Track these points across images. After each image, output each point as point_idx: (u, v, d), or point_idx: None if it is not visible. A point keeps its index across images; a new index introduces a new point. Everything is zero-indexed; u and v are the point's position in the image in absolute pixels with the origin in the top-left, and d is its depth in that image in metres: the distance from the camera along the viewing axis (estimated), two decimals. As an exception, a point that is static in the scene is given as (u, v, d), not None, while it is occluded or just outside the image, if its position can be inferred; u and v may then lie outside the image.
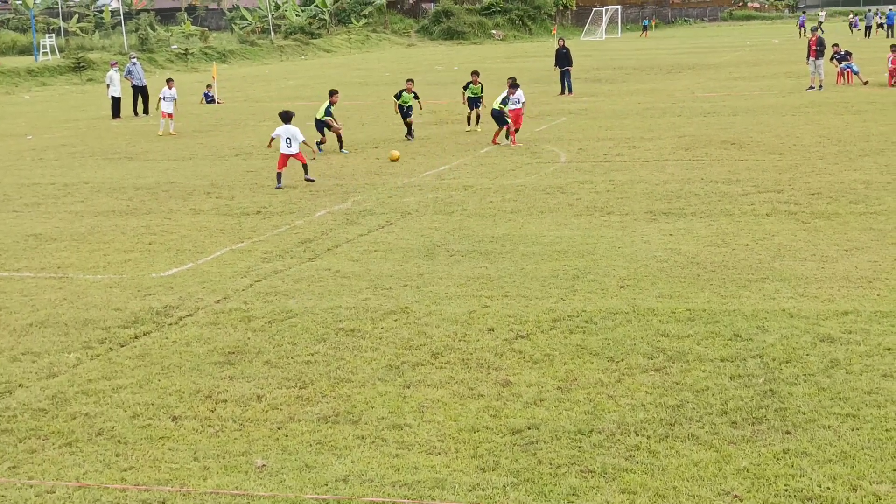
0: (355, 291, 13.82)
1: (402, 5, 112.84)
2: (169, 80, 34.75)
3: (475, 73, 31.62)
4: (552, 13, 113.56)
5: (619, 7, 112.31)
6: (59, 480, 8.40)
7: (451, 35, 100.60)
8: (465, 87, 31.25)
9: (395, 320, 12.47)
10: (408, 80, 30.58)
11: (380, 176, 23.39)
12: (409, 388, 10.24)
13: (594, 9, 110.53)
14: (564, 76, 42.37)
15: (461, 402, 9.83)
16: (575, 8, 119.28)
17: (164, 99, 33.59)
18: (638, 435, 8.88)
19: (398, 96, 29.98)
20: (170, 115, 33.59)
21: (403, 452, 8.73)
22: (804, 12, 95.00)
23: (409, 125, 30.01)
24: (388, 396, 10.02)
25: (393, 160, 23.23)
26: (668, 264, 14.60)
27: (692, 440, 8.72)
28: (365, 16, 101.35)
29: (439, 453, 8.67)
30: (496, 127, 28.16)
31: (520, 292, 13.48)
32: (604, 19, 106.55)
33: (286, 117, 22.87)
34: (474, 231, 17.23)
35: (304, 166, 22.78)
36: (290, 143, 22.45)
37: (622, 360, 10.77)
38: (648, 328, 11.76)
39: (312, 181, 22.55)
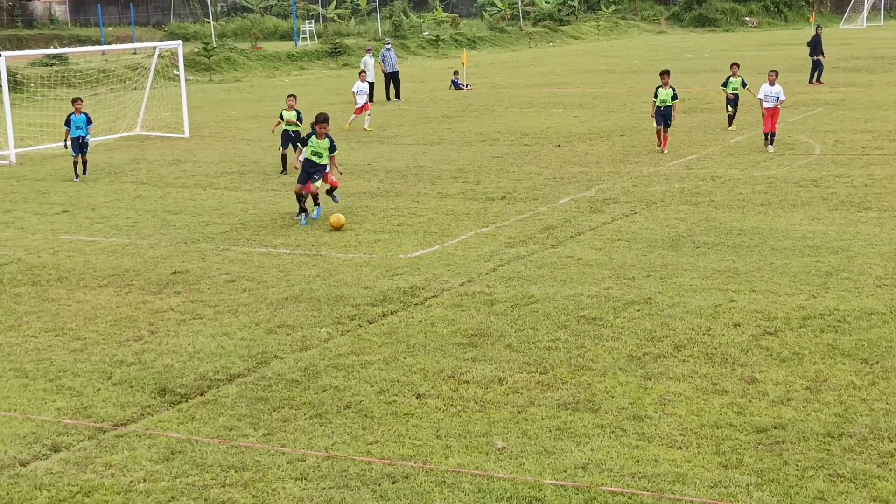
0: (597, 280, 13.78)
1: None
2: (361, 73, 33.73)
3: (735, 65, 28.27)
4: (810, 0, 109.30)
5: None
6: (309, 449, 8.77)
7: (703, 22, 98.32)
8: (725, 84, 27.94)
9: (638, 311, 12.36)
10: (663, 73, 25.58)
11: (624, 164, 23.19)
12: (650, 379, 10.14)
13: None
14: (816, 65, 40.77)
15: (704, 396, 9.66)
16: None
17: (357, 93, 32.00)
18: (892, 441, 8.50)
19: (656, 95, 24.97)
20: (363, 109, 31.83)
21: (644, 444, 8.66)
22: None
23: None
24: (628, 387, 9.96)
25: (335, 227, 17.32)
26: (930, 264, 13.87)
27: (952, 451, 8.27)
28: (614, 2, 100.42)
29: (680, 447, 8.56)
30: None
31: (768, 287, 13.10)
32: (865, 6, 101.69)
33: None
34: (721, 223, 16.84)
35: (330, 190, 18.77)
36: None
37: (877, 363, 10.32)
38: (906, 331, 11.22)
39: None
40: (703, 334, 11.43)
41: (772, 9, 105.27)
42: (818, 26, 44.76)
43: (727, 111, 28.32)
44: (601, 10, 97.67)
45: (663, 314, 12.20)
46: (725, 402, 9.49)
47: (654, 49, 69.08)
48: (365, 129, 30.70)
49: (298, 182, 18.32)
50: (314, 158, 18.23)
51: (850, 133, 26.73)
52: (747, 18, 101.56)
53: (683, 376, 10.20)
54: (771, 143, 24.21)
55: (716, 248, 15.26)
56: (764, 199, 18.74)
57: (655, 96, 24.70)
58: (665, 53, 63.87)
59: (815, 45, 41.05)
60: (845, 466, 8.06)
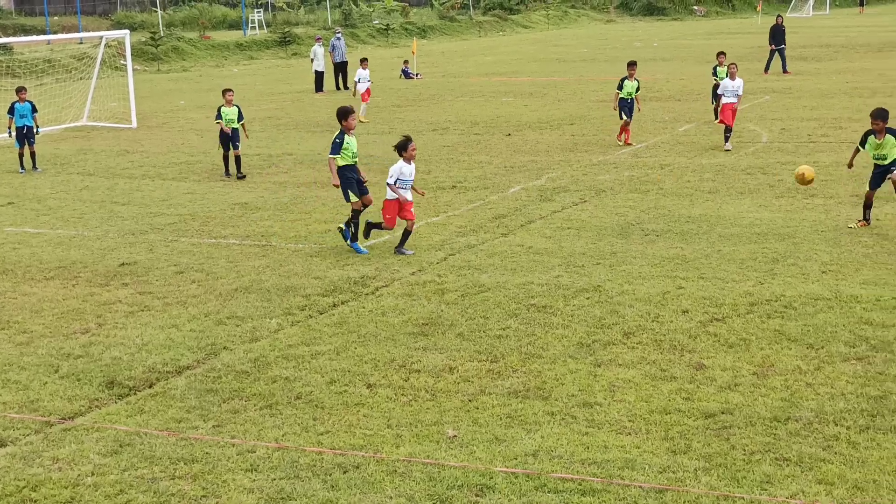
0: (548, 268, 13.83)
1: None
2: (363, 60, 32.93)
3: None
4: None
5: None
6: (259, 441, 8.74)
7: (652, 11, 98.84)
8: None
9: (588, 298, 12.42)
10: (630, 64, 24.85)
11: (574, 153, 23.28)
12: (600, 366, 10.20)
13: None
14: (778, 54, 41.14)
15: (653, 383, 9.73)
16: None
17: (359, 81, 31.77)
18: (837, 425, 8.61)
19: (620, 87, 24.30)
20: (366, 96, 31.50)
21: (593, 431, 8.71)
22: None
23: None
24: (578, 374, 10.01)
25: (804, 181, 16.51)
26: (875, 250, 14.06)
27: (894, 433, 8.40)
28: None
29: (630, 433, 8.62)
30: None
31: (716, 274, 13.22)
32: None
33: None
34: (670, 211, 16.97)
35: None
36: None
37: (822, 348, 10.45)
38: (851, 316, 11.37)
39: None
40: (652, 321, 11.52)
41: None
42: (778, 16, 45.15)
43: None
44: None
45: (613, 301, 12.28)
46: (674, 388, 9.57)
47: (603, 38, 69.36)
48: (361, 120, 29.63)
49: (359, 194, 15.38)
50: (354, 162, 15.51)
51: (796, 121, 27.03)
52: (695, 7, 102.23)
53: (632, 363, 10.27)
54: (727, 141, 23.09)
55: (664, 235, 15.38)
56: (712, 186, 18.90)
57: (620, 87, 24.11)
58: (614, 42, 64.15)
59: (776, 35, 41.46)
60: (791, 450, 8.16)
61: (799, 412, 8.90)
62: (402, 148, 14.96)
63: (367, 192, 15.55)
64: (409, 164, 14.93)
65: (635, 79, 24.24)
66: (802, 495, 7.46)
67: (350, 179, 15.30)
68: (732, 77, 23.32)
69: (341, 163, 15.34)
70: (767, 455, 8.10)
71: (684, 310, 11.88)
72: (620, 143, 24.18)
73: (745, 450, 8.21)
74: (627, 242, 15.00)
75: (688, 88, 36.31)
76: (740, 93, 23.40)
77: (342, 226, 15.24)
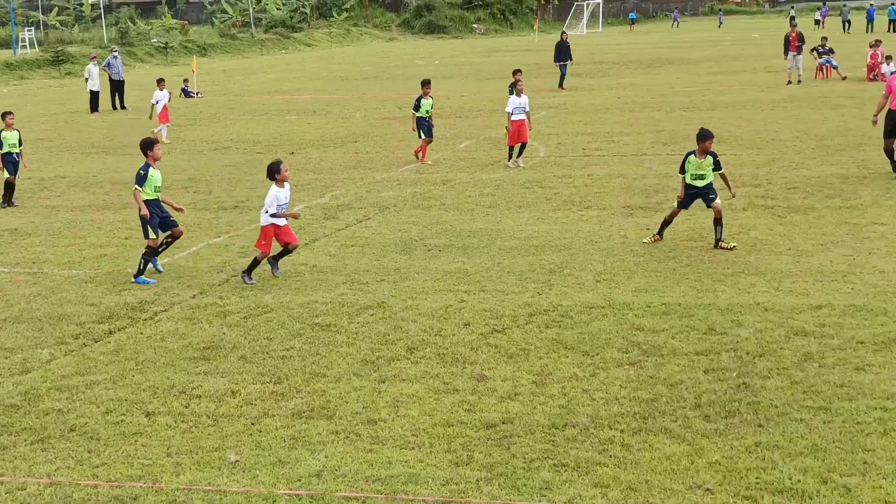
0: (332, 286, 13.80)
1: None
2: (160, 81, 31.07)
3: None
4: (534, 7, 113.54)
5: (600, 1, 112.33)
6: (30, 477, 8.36)
7: (433, 29, 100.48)
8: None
9: (372, 315, 12.45)
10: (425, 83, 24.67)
11: (358, 170, 23.35)
12: (384, 382, 10.23)
13: (576, 3, 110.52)
14: (563, 69, 42.40)
15: (436, 396, 9.82)
16: (557, 2, 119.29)
17: (157, 103, 30.08)
18: (611, 429, 8.90)
19: (416, 107, 24.13)
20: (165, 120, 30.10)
21: (377, 447, 8.72)
22: (824, 3, 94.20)
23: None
24: (363, 391, 10.01)
25: None
26: (645, 258, 14.63)
27: (665, 434, 8.74)
28: (346, 9, 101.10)
29: (413, 448, 8.67)
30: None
31: (496, 287, 13.49)
32: (585, 13, 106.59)
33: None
34: (452, 226, 17.22)
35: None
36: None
37: (597, 355, 10.79)
38: (624, 322, 11.79)
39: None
40: (435, 335, 11.64)
41: (498, 16, 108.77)
42: (563, 32, 46.47)
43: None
44: (333, 17, 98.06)
45: (396, 317, 12.35)
46: (456, 401, 9.69)
47: (385, 56, 69.98)
48: (164, 142, 28.28)
49: (165, 228, 14.79)
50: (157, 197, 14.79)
51: (571, 135, 27.90)
52: (475, 25, 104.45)
53: (416, 377, 10.35)
54: (520, 156, 23.07)
55: (447, 250, 15.58)
56: (492, 201, 19.29)
57: (417, 107, 23.94)
58: (396, 60, 64.83)
59: (561, 52, 42.67)
60: (569, 455, 8.38)
61: (576, 418, 9.16)
62: (275, 171, 14.04)
63: (176, 225, 14.88)
64: (283, 187, 14.08)
65: (430, 97, 24.20)
66: (580, 499, 7.67)
67: (153, 215, 14.50)
68: (519, 94, 23.53)
69: (144, 197, 14.47)
70: (546, 462, 8.29)
71: (466, 322, 12.06)
72: (419, 162, 24.01)
73: (524, 458, 8.38)
74: (410, 258, 15.13)
75: (468, 105, 37.01)
76: (528, 108, 23.55)
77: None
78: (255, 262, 14.22)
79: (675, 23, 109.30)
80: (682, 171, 15.30)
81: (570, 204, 18.67)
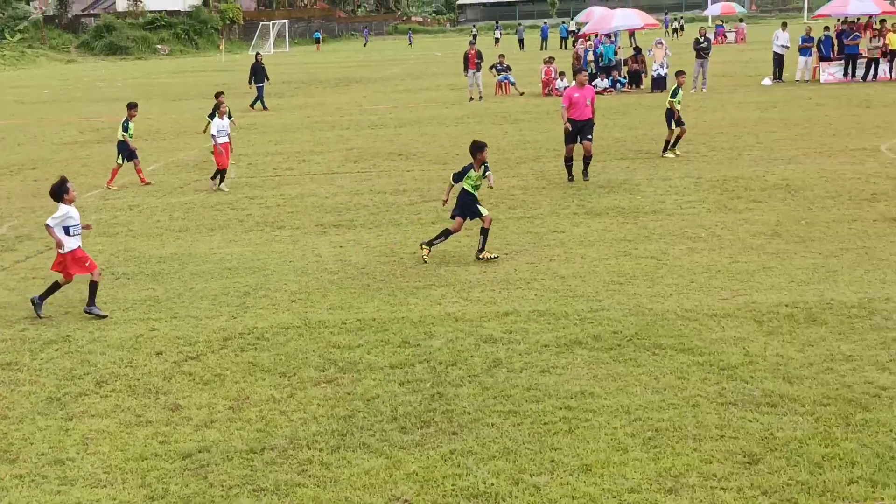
0: (12, 322, 13.07)
1: (60, 20, 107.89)
2: None
3: (221, 97, 24.57)
4: (219, 27, 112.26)
5: (286, 21, 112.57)
6: None
7: (115, 50, 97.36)
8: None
9: (57, 350, 11.88)
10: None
11: (38, 199, 22.24)
12: (71, 420, 9.77)
13: (261, 23, 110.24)
14: (260, 91, 41.95)
15: (128, 430, 9.48)
16: (242, 22, 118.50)
17: None
18: (310, 448, 8.87)
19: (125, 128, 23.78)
20: None
21: (66, 489, 8.31)
22: (497, 22, 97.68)
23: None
24: (48, 431, 9.52)
25: None
26: (339, 276, 14.73)
27: (364, 449, 8.81)
28: (20, 31, 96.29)
29: (105, 486, 8.32)
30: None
31: (189, 313, 13.19)
32: (271, 33, 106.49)
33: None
34: (141, 252, 16.71)
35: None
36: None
37: (294, 375, 10.75)
38: (320, 341, 11.81)
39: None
40: (126, 366, 11.24)
41: (183, 37, 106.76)
42: (258, 53, 45.94)
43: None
44: (6, 38, 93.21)
45: (83, 351, 11.83)
46: (150, 433, 9.39)
47: (65, 78, 67.21)
48: None
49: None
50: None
51: (262, 156, 27.74)
52: (159, 46, 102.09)
53: (106, 412, 9.94)
54: (223, 181, 22.70)
55: (136, 277, 15.10)
56: (182, 224, 18.88)
57: (125, 129, 23.44)
58: (76, 83, 62.40)
59: (257, 73, 42.07)
60: (268, 479, 8.29)
61: (274, 441, 9.08)
62: (63, 192, 13.17)
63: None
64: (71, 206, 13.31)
65: (133, 120, 23.78)
66: (280, 522, 7.60)
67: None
68: (221, 116, 23.03)
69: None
70: (245, 488, 8.17)
71: (158, 351, 11.72)
72: (142, 184, 23.73)
73: (223, 486, 8.22)
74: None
75: (154, 128, 36.10)
76: (229, 130, 23.12)
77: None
78: (57, 287, 13.48)
79: (366, 41, 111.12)
80: (458, 180, 15.50)
81: (263, 225, 18.55)
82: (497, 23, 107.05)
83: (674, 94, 24.08)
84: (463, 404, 9.68)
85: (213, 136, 22.64)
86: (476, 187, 15.60)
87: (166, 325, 12.69)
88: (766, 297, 12.57)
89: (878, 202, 17.38)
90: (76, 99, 50.19)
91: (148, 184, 23.70)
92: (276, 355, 11.39)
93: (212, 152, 23.25)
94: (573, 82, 23.26)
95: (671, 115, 24.19)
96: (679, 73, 24.77)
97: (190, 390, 10.46)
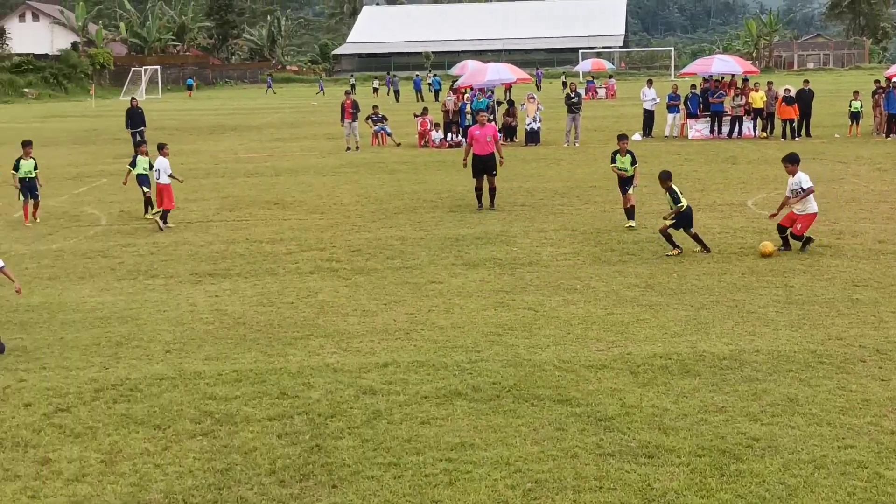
0: None
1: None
2: None
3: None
4: (89, 72, 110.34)
5: (158, 67, 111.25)
6: None
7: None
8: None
9: (-83, 402, 11.41)
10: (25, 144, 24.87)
11: None
12: (-67, 475, 9.38)
13: (133, 68, 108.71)
14: (136, 136, 41.13)
15: (-5, 485, 9.14)
16: (113, 67, 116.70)
17: None
18: (186, 503, 8.68)
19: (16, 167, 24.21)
20: None
21: (-72, 548, 7.96)
22: (417, 75, 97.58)
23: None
24: None
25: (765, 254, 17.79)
26: (215, 326, 14.52)
27: (241, 503, 8.66)
28: None
29: (-30, 545, 8.00)
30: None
31: (59, 363, 12.83)
32: (143, 79, 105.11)
33: None
34: (8, 301, 16.20)
35: None
36: None
37: (169, 427, 10.52)
38: (196, 392, 11.59)
39: None
40: (-8, 419, 10.86)
41: (51, 81, 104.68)
42: (133, 98, 44.97)
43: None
44: None
45: (-54, 403, 11.39)
46: (19, 488, 9.07)
47: (-73, 120, 65.05)
48: None
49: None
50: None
51: (134, 202, 27.15)
52: (26, 90, 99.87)
53: (-29, 467, 9.59)
54: (163, 219, 22.81)
55: (3, 326, 14.61)
56: (52, 273, 18.40)
57: (17, 168, 24.13)
58: (-61, 125, 60.44)
59: (133, 117, 41.26)
60: (143, 535, 8.08)
61: (149, 495, 8.86)
62: None
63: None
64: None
65: (31, 157, 24.26)
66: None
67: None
68: (165, 156, 23.45)
69: None
70: (119, 544, 7.94)
71: (27, 403, 11.36)
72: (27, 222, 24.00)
73: (95, 543, 7.97)
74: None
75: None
76: (170, 171, 23.42)
77: None
78: None
79: (269, 88, 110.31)
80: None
81: (136, 273, 18.19)
82: (351, 75, 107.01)
83: (612, 160, 21.80)
84: (343, 457, 9.60)
85: (156, 174, 23.13)
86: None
87: (35, 376, 12.30)
88: (640, 349, 12.81)
89: (745, 256, 17.92)
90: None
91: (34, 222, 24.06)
92: (150, 407, 11.14)
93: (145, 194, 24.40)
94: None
95: (621, 181, 21.73)
96: (621, 138, 22.05)
97: (60, 443, 10.15)
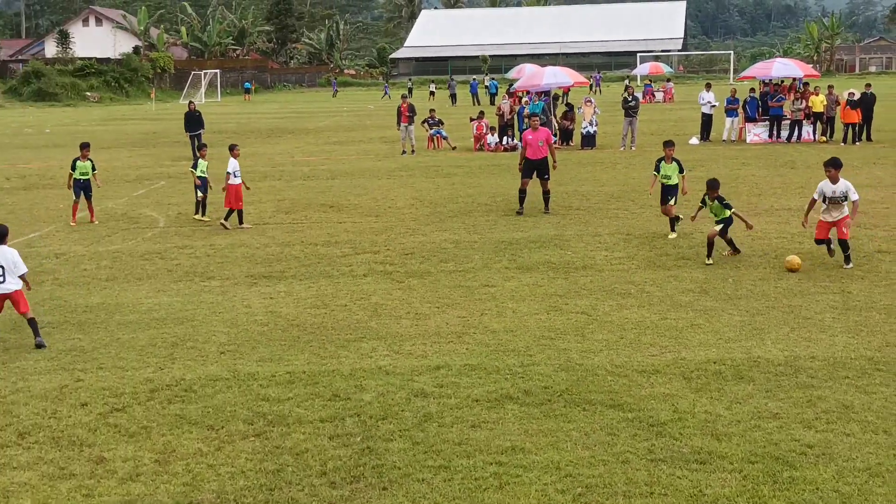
0: (-69, 371, 12.76)
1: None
2: None
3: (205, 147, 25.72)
4: (150, 76, 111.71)
5: (218, 71, 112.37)
6: None
7: (43, 97, 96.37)
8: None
9: (-23, 400, 11.62)
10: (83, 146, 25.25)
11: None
12: (-8, 472, 9.55)
13: (193, 72, 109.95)
14: (195, 139, 41.59)
15: (50, 483, 9.28)
16: (173, 71, 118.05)
17: None
18: (237, 503, 8.75)
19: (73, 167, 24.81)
20: None
21: (-17, 544, 8.10)
22: (474, 78, 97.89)
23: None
24: (-33, 484, 9.29)
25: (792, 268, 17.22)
26: (269, 328, 14.62)
27: (292, 504, 8.72)
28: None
29: (25, 541, 8.13)
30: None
31: (115, 363, 12.99)
32: (203, 83, 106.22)
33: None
34: (66, 301, 16.45)
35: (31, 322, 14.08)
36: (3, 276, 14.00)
37: (222, 428, 10.61)
38: (249, 393, 11.68)
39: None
40: (49, 418, 11.02)
41: (113, 84, 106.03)
42: (191, 102, 45.49)
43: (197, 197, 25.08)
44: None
45: (6, 401, 11.58)
46: (73, 486, 9.20)
47: (-9, 123, 66.24)
48: None
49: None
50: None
51: (191, 205, 27.45)
52: (89, 93, 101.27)
53: (28, 464, 9.73)
54: (227, 219, 23.39)
55: (61, 327, 14.86)
56: (109, 273, 18.64)
57: (74, 168, 24.67)
58: (3, 129, 61.56)
59: (190, 121, 41.66)
60: (194, 535, 8.15)
61: (201, 495, 8.94)
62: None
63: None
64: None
65: (89, 159, 24.84)
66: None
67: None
68: (235, 157, 24.05)
69: None
70: (171, 543, 8.02)
71: (83, 403, 11.51)
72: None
73: (148, 541, 8.06)
74: (21, 337, 14.28)
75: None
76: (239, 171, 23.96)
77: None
78: None
79: (336, 91, 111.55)
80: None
81: (192, 275, 18.37)
82: (450, 78, 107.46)
83: (657, 169, 21.01)
84: (393, 459, 9.62)
85: (232, 175, 23.57)
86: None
87: (92, 376, 12.47)
88: (694, 354, 12.70)
89: (802, 261, 17.70)
90: (3, 145, 49.54)
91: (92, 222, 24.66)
92: (204, 408, 11.24)
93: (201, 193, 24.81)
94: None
95: (664, 189, 21.02)
96: (667, 144, 21.27)
97: (115, 443, 10.28)
